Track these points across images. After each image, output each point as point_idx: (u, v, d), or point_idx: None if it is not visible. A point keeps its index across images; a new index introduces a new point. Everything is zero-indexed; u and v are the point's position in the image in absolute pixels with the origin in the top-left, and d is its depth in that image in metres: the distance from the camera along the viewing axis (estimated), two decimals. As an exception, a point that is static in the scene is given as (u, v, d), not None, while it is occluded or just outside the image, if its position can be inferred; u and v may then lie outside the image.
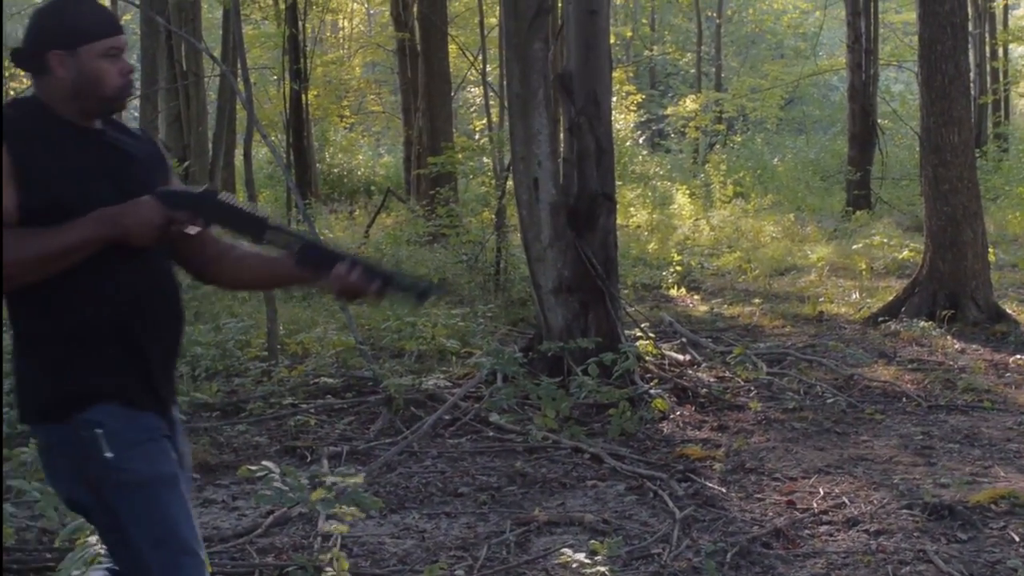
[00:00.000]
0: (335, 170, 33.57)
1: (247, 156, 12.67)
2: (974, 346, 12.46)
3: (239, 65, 13.22)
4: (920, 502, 7.33)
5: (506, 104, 13.47)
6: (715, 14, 44.02)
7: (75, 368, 3.72)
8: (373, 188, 31.41)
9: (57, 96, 3.78)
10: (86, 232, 3.61)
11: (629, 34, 43.74)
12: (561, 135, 11.28)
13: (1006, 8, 37.85)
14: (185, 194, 3.82)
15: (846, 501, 7.50)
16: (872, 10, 28.18)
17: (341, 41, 42.99)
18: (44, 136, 3.73)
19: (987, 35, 34.85)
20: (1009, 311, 13.83)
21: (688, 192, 26.43)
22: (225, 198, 3.84)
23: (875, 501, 7.48)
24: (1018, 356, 11.93)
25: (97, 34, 3.76)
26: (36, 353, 3.75)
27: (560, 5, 13.80)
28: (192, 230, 3.79)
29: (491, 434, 9.12)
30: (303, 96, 27.53)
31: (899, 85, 45.60)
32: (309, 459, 8.49)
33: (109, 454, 3.67)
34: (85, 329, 3.73)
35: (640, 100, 36.18)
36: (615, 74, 30.22)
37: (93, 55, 3.75)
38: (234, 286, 4.26)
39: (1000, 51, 36.65)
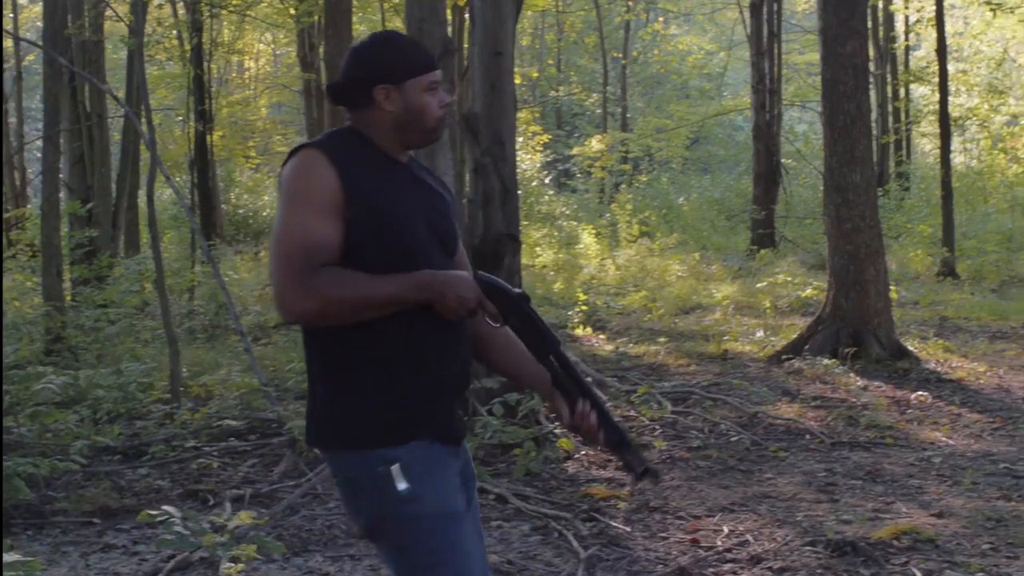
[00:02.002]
0: (240, 211, 33.40)
1: (150, 197, 12.58)
2: (877, 383, 12.59)
3: (143, 106, 13.15)
4: (823, 539, 7.38)
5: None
6: (621, 55, 44.25)
7: (390, 400, 3.81)
8: (279, 229, 31.27)
9: (379, 129, 3.92)
10: (406, 291, 3.72)
11: (535, 75, 43.90)
12: (466, 176, 11.28)
13: (907, 50, 38.34)
14: (503, 290, 3.88)
15: (750, 539, 7.54)
16: (776, 51, 28.49)
17: (247, 82, 42.85)
18: (367, 163, 3.86)
19: (889, 76, 35.32)
20: (911, 348, 13.98)
21: (594, 232, 26.51)
22: (533, 308, 3.91)
23: (778, 538, 7.52)
24: (920, 392, 12.07)
25: (420, 68, 3.91)
26: (347, 381, 3.82)
27: (466, 46, 13.81)
28: (493, 324, 3.89)
29: (397, 476, 9.08)
30: (208, 137, 27.41)
31: (803, 125, 46.08)
32: (212, 503, 8.41)
33: (403, 486, 3.75)
34: (400, 360, 3.82)
35: (546, 140, 36.33)
36: (521, 115, 30.36)
37: (417, 89, 3.90)
38: (489, 366, 4.24)
39: (901, 91, 37.10)
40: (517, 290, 3.90)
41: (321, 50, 24.52)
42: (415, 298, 3.72)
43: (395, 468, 3.75)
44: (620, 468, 3.76)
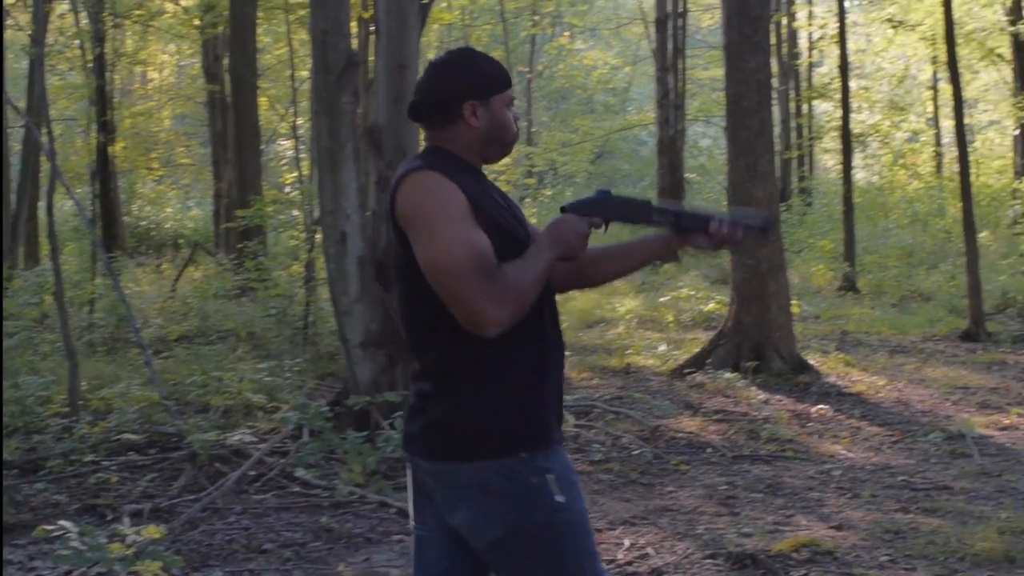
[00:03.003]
0: (143, 223, 33.15)
1: (50, 209, 12.43)
2: (778, 396, 12.68)
3: (43, 117, 13.01)
4: (724, 552, 7.42)
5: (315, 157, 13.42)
6: (526, 69, 44.30)
7: (527, 407, 3.84)
8: (181, 241, 31.06)
9: (466, 144, 3.98)
10: (549, 254, 3.84)
11: (441, 87, 43.84)
12: (370, 188, 11.25)
13: (810, 67, 38.72)
14: (587, 202, 4.09)
15: (651, 552, 7.56)
16: (680, 66, 28.67)
17: (151, 93, 42.49)
18: (468, 178, 3.88)
19: (792, 92, 35.64)
20: (812, 362, 14.09)
21: (497, 245, 26.53)
22: (614, 194, 4.15)
23: (679, 551, 7.54)
24: (820, 406, 12.17)
25: (504, 84, 4.01)
26: (487, 391, 3.82)
27: (371, 59, 13.77)
28: (601, 229, 4.09)
29: (297, 489, 9.01)
30: (110, 148, 27.17)
31: (707, 140, 46.42)
32: (110, 517, 8.32)
33: (560, 498, 3.78)
34: (531, 367, 3.87)
35: (452, 153, 36.29)
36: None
37: (501, 104, 3.99)
38: (602, 282, 4.41)
39: (804, 107, 37.45)
40: (592, 194, 4.12)
41: (226, 61, 24.43)
42: (555, 256, 3.85)
43: (551, 478, 3.79)
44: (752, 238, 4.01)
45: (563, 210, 4.05)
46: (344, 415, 10.07)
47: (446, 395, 3.85)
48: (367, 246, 10.28)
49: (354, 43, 14.32)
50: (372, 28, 13.31)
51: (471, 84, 3.95)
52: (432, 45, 44.01)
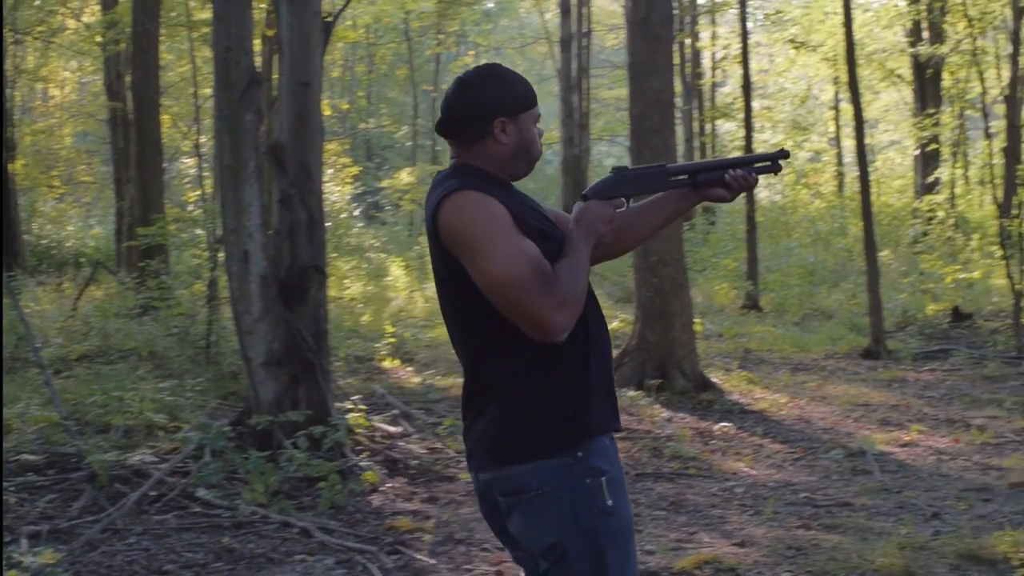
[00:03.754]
0: (43, 241, 32.73)
1: (-53, 227, 12.30)
2: (681, 414, 12.72)
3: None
4: (626, 569, 7.42)
5: (218, 175, 13.33)
6: (431, 88, 44.33)
7: (579, 404, 3.92)
8: (83, 260, 30.72)
9: (494, 160, 4.05)
10: (585, 247, 3.95)
11: (345, 107, 43.70)
12: (273, 207, 11.19)
13: (714, 86, 39.01)
14: (605, 184, 4.17)
15: (553, 571, 7.55)
16: (585, 86, 28.79)
17: (52, 110, 42.10)
18: (499, 190, 3.94)
19: (696, 111, 35.88)
20: (715, 380, 14.16)
21: (403, 264, 26.47)
22: (629, 168, 4.23)
23: None
24: (723, 424, 12.23)
25: (531, 102, 4.09)
26: (540, 394, 3.89)
27: (275, 77, 13.71)
28: (623, 209, 4.20)
29: (198, 510, 8.90)
30: (9, 165, 26.86)
31: (611, 159, 46.66)
32: (8, 539, 8.21)
33: (610, 502, 3.88)
34: (579, 363, 3.94)
35: (356, 172, 36.18)
36: (331, 146, 30.24)
37: (529, 121, 4.08)
38: (624, 252, 4.52)
39: (708, 127, 37.73)
40: (611, 172, 4.20)
41: (128, 79, 24.20)
42: (590, 246, 3.97)
43: (604, 480, 3.87)
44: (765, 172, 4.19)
45: (584, 197, 4.13)
46: (246, 435, 9.99)
47: (501, 404, 3.93)
48: (270, 265, 10.22)
49: (257, 61, 14.25)
50: (276, 46, 13.24)
51: (501, 101, 4.03)
52: (336, 63, 44.06)
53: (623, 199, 4.17)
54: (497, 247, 3.76)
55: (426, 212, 3.98)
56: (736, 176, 4.22)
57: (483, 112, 4.00)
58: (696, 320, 14.87)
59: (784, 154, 4.36)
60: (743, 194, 4.37)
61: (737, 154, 33.49)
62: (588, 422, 3.91)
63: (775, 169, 4.36)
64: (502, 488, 3.94)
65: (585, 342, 3.95)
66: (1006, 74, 27.23)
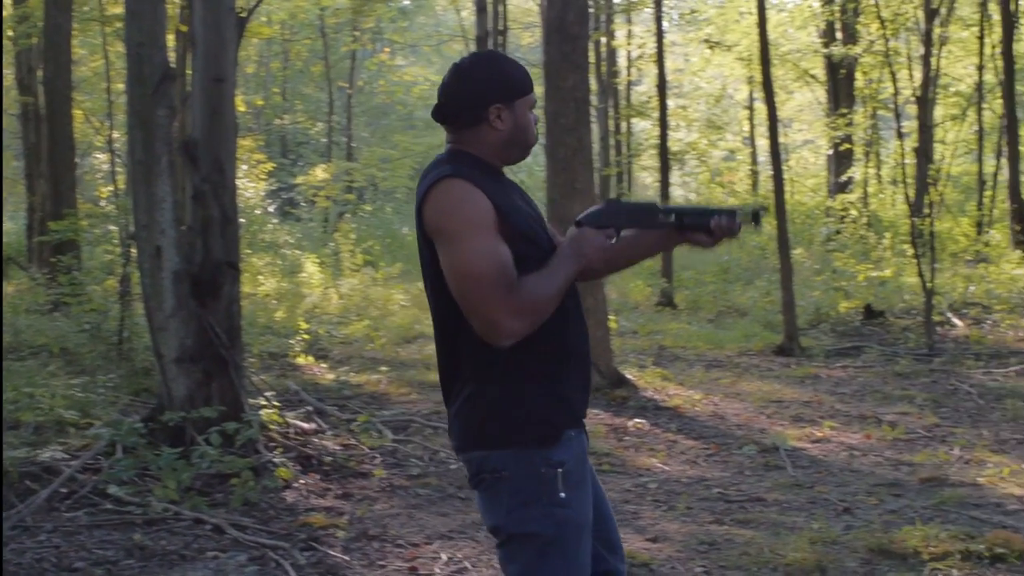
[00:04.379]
0: (-48, 238, 32.36)
1: None
2: (595, 411, 12.73)
3: None
4: (540, 565, 7.43)
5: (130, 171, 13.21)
6: (347, 84, 44.18)
7: (548, 400, 4.00)
8: (-7, 255, 30.40)
9: (489, 146, 4.12)
10: (569, 269, 3.97)
11: (260, 103, 43.55)
12: (186, 203, 11.10)
13: (629, 85, 39.11)
14: (599, 213, 4.20)
15: (468, 566, 7.56)
16: (499, 84, 28.71)
17: (-39, 104, 41.61)
18: (493, 182, 4.02)
19: (611, 110, 35.94)
20: (629, 376, 14.20)
21: (318, 261, 26.36)
22: (623, 201, 4.29)
23: (496, 566, 7.54)
24: (637, 420, 12.27)
25: (526, 88, 4.13)
26: (510, 386, 3.98)
27: (188, 72, 13.61)
28: (613, 241, 4.18)
29: (109, 507, 8.80)
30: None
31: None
32: (-85, 537, 8.12)
33: (563, 494, 3.93)
34: (553, 360, 4.02)
35: (270, 169, 35.98)
36: (245, 142, 30.04)
37: (524, 108, 4.13)
38: (604, 276, 4.69)
39: (623, 125, 37.82)
40: (603, 204, 4.23)
41: (40, 73, 23.97)
42: (576, 269, 3.99)
43: (561, 472, 3.94)
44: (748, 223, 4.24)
45: (578, 224, 4.15)
46: (158, 431, 9.91)
47: (472, 391, 4.02)
48: (182, 260, 10.14)
49: (171, 56, 14.16)
50: (189, 41, 13.15)
51: (497, 88, 4.08)
52: (251, 59, 43.83)
53: (615, 231, 4.20)
54: (469, 241, 3.83)
55: (417, 194, 4.05)
56: (721, 224, 4.23)
57: (478, 98, 4.07)
58: (611, 317, 14.91)
59: (760, 212, 4.42)
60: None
61: (652, 152, 33.67)
62: (554, 418, 3.99)
63: (755, 224, 4.43)
64: (470, 469, 4.08)
65: (562, 341, 4.04)
66: (918, 75, 27.47)
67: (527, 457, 3.94)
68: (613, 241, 4.18)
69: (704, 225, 4.24)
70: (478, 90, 4.07)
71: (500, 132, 4.09)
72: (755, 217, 4.37)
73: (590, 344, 4.27)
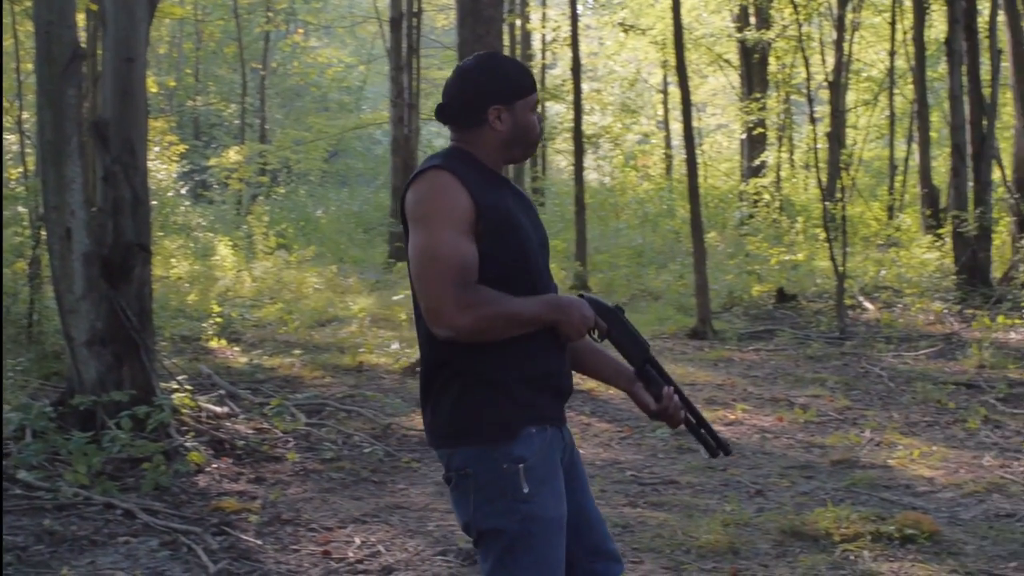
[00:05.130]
0: None
1: None
2: (509, 394, 12.73)
3: None
4: (454, 548, 7.47)
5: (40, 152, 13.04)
6: (260, 66, 43.94)
7: (512, 397, 4.04)
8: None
9: (487, 146, 4.21)
10: (543, 312, 4.02)
11: (173, 84, 43.17)
12: (96, 184, 10.98)
13: (543, 68, 39.10)
14: (605, 307, 4.26)
15: (382, 550, 7.56)
16: (415, 66, 28.69)
17: None
18: (484, 181, 4.10)
19: (524, 93, 35.87)
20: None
21: (231, 243, 26.18)
22: (627, 319, 4.31)
23: (410, 549, 7.56)
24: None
25: (527, 89, 4.24)
26: (475, 383, 4.04)
27: (99, 52, 13.44)
28: (597, 340, 4.28)
29: (19, 492, 8.69)
30: None
31: (441, 139, 46.62)
32: None
33: (526, 489, 3.97)
34: (521, 359, 4.07)
35: (183, 150, 35.69)
36: (157, 124, 29.79)
37: (525, 109, 4.22)
38: (579, 369, 4.50)
39: (539, 108, 37.81)
40: (614, 305, 4.29)
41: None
42: (549, 319, 4.04)
43: (523, 467, 3.98)
44: (699, 443, 4.23)
45: (581, 295, 4.20)
46: (69, 415, 9.80)
47: (439, 388, 4.10)
48: (93, 242, 10.03)
49: (81, 35, 13.99)
50: (100, 20, 12.99)
51: (496, 89, 4.18)
52: (163, 39, 43.50)
53: (607, 330, 4.25)
54: (438, 231, 3.93)
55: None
56: (672, 401, 4.34)
57: (479, 100, 4.17)
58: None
59: (723, 448, 4.58)
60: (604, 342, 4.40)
61: (566, 136, 33.71)
62: (508, 417, 4.04)
63: (711, 453, 4.59)
64: (443, 465, 4.16)
65: (524, 346, 4.06)
66: (831, 60, 27.74)
67: (488, 454, 4.00)
68: (599, 339, 4.28)
69: (658, 389, 4.33)
70: (478, 92, 4.18)
71: (500, 132, 4.19)
72: (719, 448, 4.56)
73: (564, 347, 4.28)
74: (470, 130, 4.21)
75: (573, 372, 4.38)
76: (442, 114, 4.24)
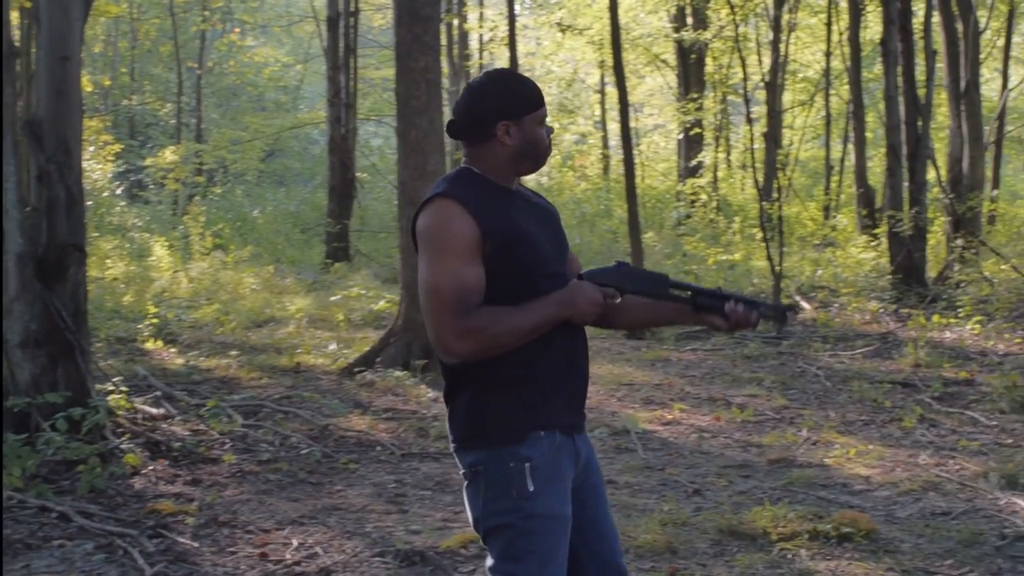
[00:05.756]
0: None
1: None
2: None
3: None
4: (392, 549, 7.45)
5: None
6: (196, 65, 43.75)
7: (514, 400, 4.19)
8: None
9: (496, 160, 4.32)
10: (547, 314, 4.16)
11: (108, 83, 42.91)
12: (30, 183, 10.87)
13: (481, 68, 39.09)
14: (605, 272, 4.39)
15: (319, 551, 7.53)
16: (352, 65, 28.62)
17: None
18: (491, 200, 4.23)
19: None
20: (479, 359, 14.17)
21: (167, 244, 26.02)
22: (632, 267, 4.43)
23: (348, 550, 7.53)
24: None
25: (535, 104, 4.33)
26: (488, 388, 4.19)
27: (33, 50, 13.32)
28: (616, 300, 4.35)
29: (-49, 495, 8.66)
30: None
31: (378, 139, 46.54)
32: None
33: (531, 487, 4.14)
34: (529, 362, 4.20)
35: (118, 150, 35.47)
36: (92, 123, 29.61)
37: (533, 123, 4.32)
38: (630, 327, 4.80)
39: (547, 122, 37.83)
40: (614, 264, 4.43)
41: None
42: (556, 318, 4.17)
43: (528, 466, 4.15)
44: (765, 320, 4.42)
45: (580, 277, 4.35)
46: (2, 417, 9.70)
47: (455, 390, 4.27)
48: (27, 242, 9.93)
49: (15, 34, 13.88)
50: (34, 18, 12.88)
51: (504, 105, 4.28)
52: (98, 38, 43.22)
53: (616, 292, 4.34)
54: (439, 261, 4.10)
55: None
56: (736, 311, 4.37)
57: (488, 116, 4.27)
58: (462, 300, 14.89)
59: (793, 309, 4.55)
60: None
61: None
62: (517, 422, 4.19)
63: (780, 323, 4.56)
64: (459, 463, 4.32)
65: (542, 348, 4.21)
66: (767, 60, 27.87)
67: (498, 454, 4.16)
68: (618, 300, 4.36)
69: (718, 308, 4.38)
70: (487, 107, 4.28)
71: (509, 147, 4.30)
72: (780, 317, 4.51)
73: (581, 354, 4.40)
74: (480, 145, 4.32)
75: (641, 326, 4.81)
76: (452, 130, 4.35)
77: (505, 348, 4.12)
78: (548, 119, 4.46)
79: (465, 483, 4.30)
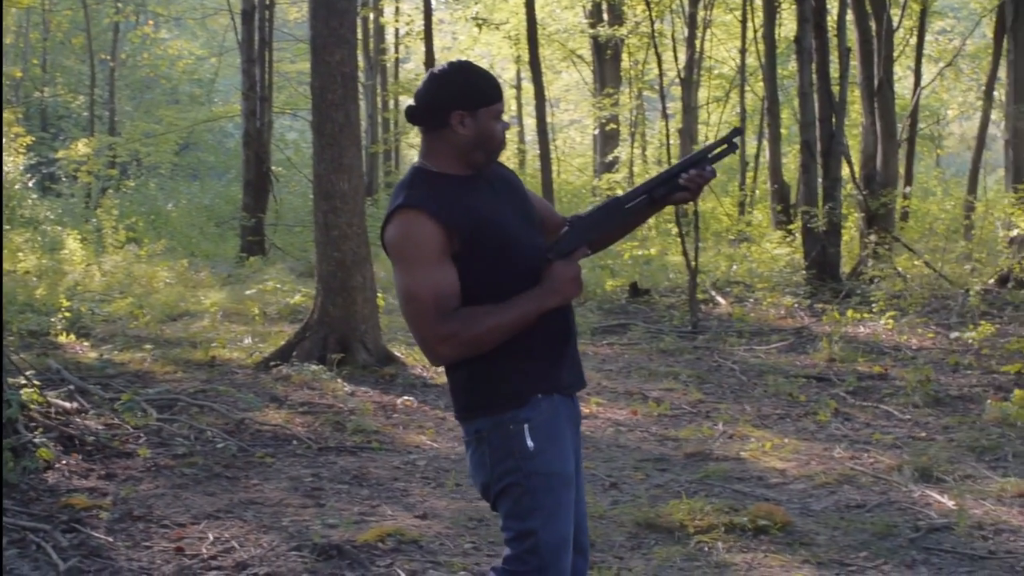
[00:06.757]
0: None
1: None
2: (364, 388, 12.71)
3: None
4: (309, 543, 7.40)
5: None
6: (109, 57, 43.35)
7: (519, 370, 4.38)
8: None
9: (453, 148, 4.45)
10: (531, 309, 4.32)
11: (19, 74, 42.49)
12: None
13: (397, 62, 39.07)
14: (565, 237, 4.48)
15: (236, 545, 7.48)
16: (267, 59, 28.50)
17: None
18: (448, 195, 4.36)
19: (379, 87, 35.87)
20: (398, 354, 14.18)
21: (80, 237, 25.79)
22: (585, 216, 4.58)
23: (265, 544, 7.49)
24: (405, 397, 12.26)
25: (493, 99, 4.45)
26: (486, 362, 4.35)
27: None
28: (589, 254, 4.53)
29: None
30: None
31: (293, 133, 46.40)
32: None
33: (531, 445, 4.34)
34: (535, 335, 4.38)
35: (30, 142, 35.12)
36: (4, 115, 29.23)
37: (488, 116, 4.43)
38: (603, 248, 4.95)
39: (392, 102, 37.75)
40: (566, 229, 4.53)
41: None
42: (540, 310, 4.33)
43: (527, 426, 4.35)
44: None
45: (548, 260, 4.43)
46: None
47: (458, 364, 4.42)
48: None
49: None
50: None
51: (461, 96, 4.40)
52: (11, 29, 42.73)
53: (586, 248, 4.48)
54: (411, 272, 4.28)
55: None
56: (691, 177, 4.54)
57: (444, 104, 4.39)
58: (379, 294, 14.89)
59: (738, 131, 4.69)
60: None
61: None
62: (518, 386, 4.38)
63: (732, 149, 4.67)
64: (464, 434, 4.53)
65: (542, 324, 4.38)
66: (683, 57, 27.97)
67: (499, 419, 4.35)
68: (589, 253, 4.53)
69: (676, 187, 4.56)
70: (444, 96, 4.40)
71: (463, 136, 4.41)
72: (732, 146, 4.65)
73: (572, 316, 4.60)
74: (435, 131, 4.45)
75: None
76: (411, 115, 4.47)
77: (491, 346, 4.28)
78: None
79: (469, 451, 4.48)
